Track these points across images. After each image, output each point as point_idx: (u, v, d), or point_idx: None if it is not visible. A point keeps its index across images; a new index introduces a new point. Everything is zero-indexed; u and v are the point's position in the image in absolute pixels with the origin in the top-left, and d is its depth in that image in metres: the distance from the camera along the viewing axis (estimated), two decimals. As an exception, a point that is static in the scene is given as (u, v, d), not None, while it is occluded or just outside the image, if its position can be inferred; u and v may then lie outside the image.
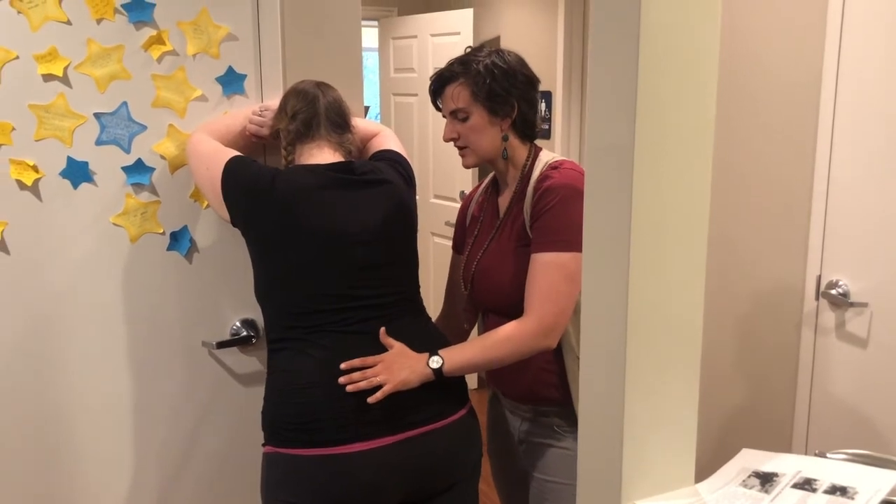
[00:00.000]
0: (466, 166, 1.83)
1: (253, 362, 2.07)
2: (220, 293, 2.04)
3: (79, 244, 1.86)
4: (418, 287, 1.85)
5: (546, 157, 1.81)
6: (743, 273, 2.81)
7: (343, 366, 1.64)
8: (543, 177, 1.74)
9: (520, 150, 1.81)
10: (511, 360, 1.72)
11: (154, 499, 2.03)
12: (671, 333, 1.07)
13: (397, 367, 1.66)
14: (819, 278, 2.58)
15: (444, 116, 1.82)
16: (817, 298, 2.59)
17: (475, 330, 1.99)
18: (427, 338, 1.76)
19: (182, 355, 2.01)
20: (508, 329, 1.70)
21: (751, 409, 2.86)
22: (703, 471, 1.13)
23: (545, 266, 1.68)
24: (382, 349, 1.69)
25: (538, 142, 1.87)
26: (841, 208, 2.50)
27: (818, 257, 2.58)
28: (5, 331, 1.81)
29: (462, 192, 4.58)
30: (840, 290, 2.52)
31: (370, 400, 1.62)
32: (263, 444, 1.72)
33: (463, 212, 2.02)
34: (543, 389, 1.80)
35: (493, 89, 1.73)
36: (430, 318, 1.86)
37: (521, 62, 1.80)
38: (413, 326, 1.77)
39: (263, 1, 1.99)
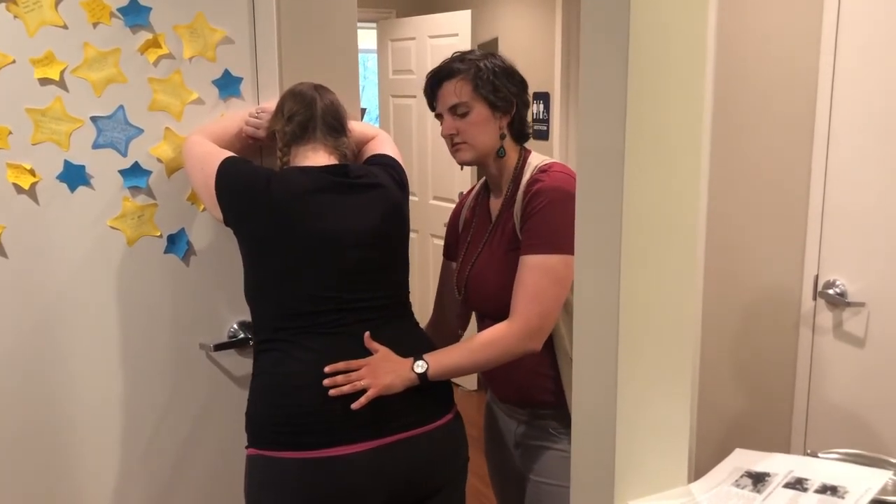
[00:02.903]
0: (461, 162, 1.81)
1: (250, 364, 2.06)
2: (217, 296, 2.04)
3: (76, 247, 1.87)
4: (408, 291, 1.85)
5: (536, 160, 1.81)
6: (740, 273, 2.82)
7: (327, 369, 1.64)
8: (533, 180, 1.74)
9: (512, 152, 1.82)
10: (497, 363, 1.73)
11: (151, 500, 2.03)
12: (664, 334, 1.08)
13: (382, 371, 1.66)
14: (816, 278, 2.58)
15: (436, 115, 1.82)
16: (815, 298, 2.59)
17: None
18: (414, 342, 1.77)
19: (179, 357, 2.02)
20: (493, 332, 1.70)
21: (749, 408, 2.86)
22: (704, 471, 1.13)
23: (532, 268, 1.69)
24: (369, 353, 1.69)
25: (535, 143, 1.87)
26: (838, 208, 2.51)
27: (815, 257, 2.58)
28: (2, 333, 1.81)
29: (461, 194, 4.60)
30: (837, 290, 2.52)
31: (354, 406, 1.61)
32: (247, 447, 1.72)
33: (455, 217, 2.02)
34: (538, 393, 1.80)
35: (496, 85, 1.75)
36: (417, 323, 1.86)
37: (514, 65, 1.82)
38: (400, 330, 1.77)
39: (259, 4, 1.99)
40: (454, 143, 1.79)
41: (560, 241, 1.66)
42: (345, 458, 1.63)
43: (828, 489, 1.01)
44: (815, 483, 1.03)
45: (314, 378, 1.64)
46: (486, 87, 1.75)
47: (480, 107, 1.76)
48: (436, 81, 1.80)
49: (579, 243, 1.09)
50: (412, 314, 1.86)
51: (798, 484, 1.04)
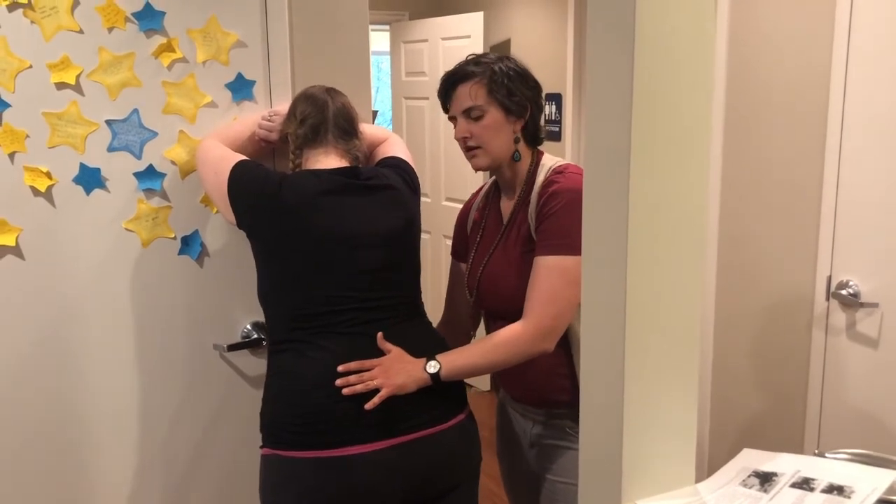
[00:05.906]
0: (477, 168, 1.80)
1: (263, 365, 2.08)
2: (230, 296, 2.06)
3: (91, 249, 1.89)
4: (419, 292, 1.86)
5: (550, 161, 1.81)
6: (754, 274, 2.81)
7: (340, 369, 1.65)
8: (549, 181, 1.75)
9: (525, 155, 1.82)
10: (510, 364, 1.73)
11: (165, 499, 2.05)
12: (669, 333, 1.08)
13: (394, 371, 1.67)
14: (829, 279, 2.57)
15: (450, 118, 1.82)
16: (828, 299, 2.58)
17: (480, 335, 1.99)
18: (426, 342, 1.78)
19: (193, 358, 2.04)
20: (506, 332, 1.71)
21: (763, 409, 2.85)
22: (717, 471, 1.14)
23: (547, 269, 1.69)
24: (382, 353, 1.70)
25: (547, 144, 1.87)
26: (851, 209, 2.50)
27: (828, 258, 2.57)
28: (20, 335, 1.84)
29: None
30: (850, 291, 2.51)
31: (367, 406, 1.62)
32: (261, 446, 1.73)
33: (462, 218, 2.01)
34: (554, 392, 1.81)
35: (511, 89, 1.75)
36: (430, 323, 1.87)
37: (528, 69, 1.82)
38: (413, 331, 1.78)
39: (272, 8, 2.01)
40: (469, 148, 1.79)
41: (576, 242, 1.65)
42: (358, 457, 1.64)
43: (834, 489, 1.02)
44: (821, 483, 1.03)
45: (327, 378, 1.65)
46: (501, 91, 1.74)
47: (495, 111, 1.75)
48: (450, 84, 1.80)
49: (586, 242, 1.10)
50: (425, 314, 1.86)
51: (805, 484, 1.04)
